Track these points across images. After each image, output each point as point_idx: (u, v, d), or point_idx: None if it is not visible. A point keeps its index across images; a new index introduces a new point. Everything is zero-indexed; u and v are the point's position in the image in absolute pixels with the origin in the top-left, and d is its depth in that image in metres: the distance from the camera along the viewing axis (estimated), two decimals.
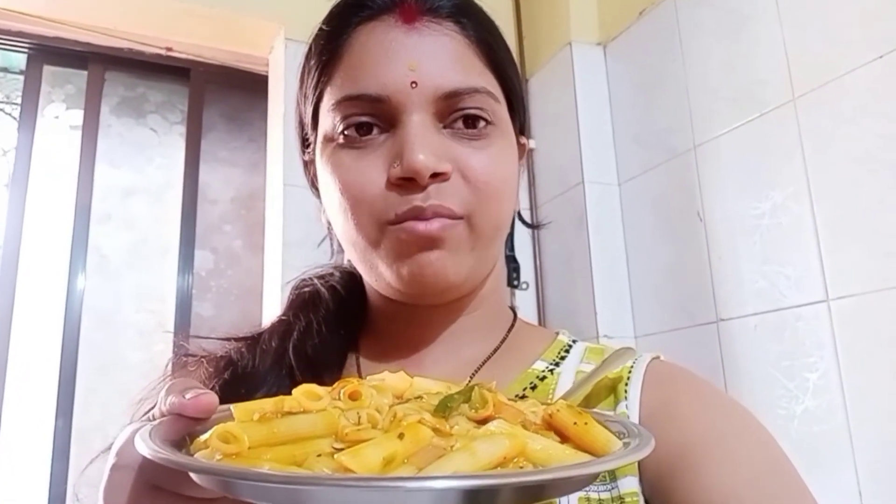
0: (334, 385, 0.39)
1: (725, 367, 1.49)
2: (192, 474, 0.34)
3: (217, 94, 2.36)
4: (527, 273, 1.98)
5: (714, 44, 1.60)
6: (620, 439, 0.37)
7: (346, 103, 0.58)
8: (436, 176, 0.55)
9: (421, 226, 0.55)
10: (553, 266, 1.96)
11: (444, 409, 0.37)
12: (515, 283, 1.96)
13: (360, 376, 0.65)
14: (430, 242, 0.56)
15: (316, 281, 0.72)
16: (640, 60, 1.84)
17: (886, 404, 1.20)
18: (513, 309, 0.73)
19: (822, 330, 1.30)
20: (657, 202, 1.75)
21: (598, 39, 1.96)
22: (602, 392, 0.59)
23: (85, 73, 2.24)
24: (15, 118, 2.63)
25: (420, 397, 0.39)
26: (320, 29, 0.64)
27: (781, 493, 0.50)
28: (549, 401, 0.58)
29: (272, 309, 1.80)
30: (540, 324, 1.91)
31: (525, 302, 1.96)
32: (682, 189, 1.65)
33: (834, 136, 1.32)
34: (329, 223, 0.66)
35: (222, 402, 0.39)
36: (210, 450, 0.33)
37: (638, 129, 1.83)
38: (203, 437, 0.36)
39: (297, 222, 1.72)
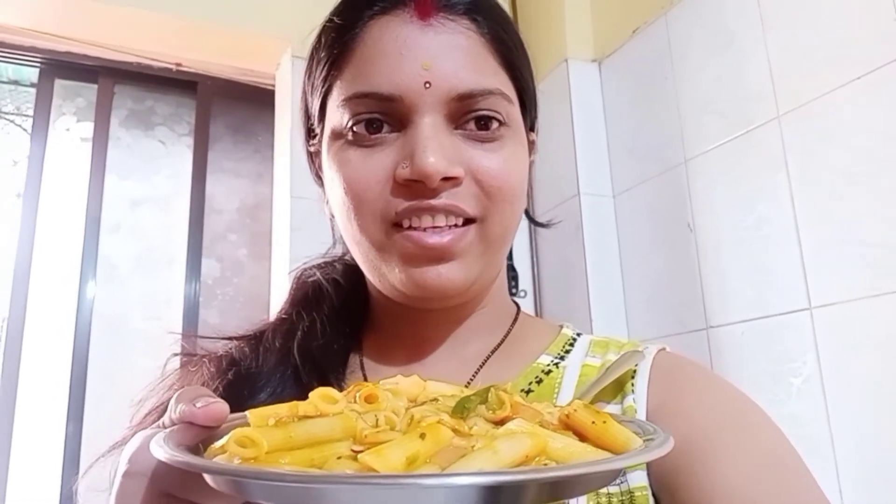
0: (350, 388, 0.39)
1: (714, 371, 1.55)
2: (209, 479, 0.34)
3: (223, 106, 2.42)
4: (525, 281, 2.04)
5: (703, 62, 1.66)
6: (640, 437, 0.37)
7: (357, 100, 0.56)
8: (447, 180, 0.54)
9: (432, 238, 0.54)
10: (550, 274, 2.02)
11: (461, 410, 0.36)
12: (514, 290, 2.02)
13: (365, 377, 0.65)
14: (441, 254, 0.55)
15: (318, 273, 0.71)
16: (633, 77, 1.89)
17: (866, 407, 1.25)
18: (516, 303, 0.72)
19: (806, 337, 1.36)
20: (650, 213, 1.80)
21: (593, 56, 2.02)
22: (609, 386, 0.58)
23: (95, 86, 2.29)
24: (25, 129, 2.69)
25: (436, 399, 0.39)
26: (331, 20, 0.62)
27: (786, 485, 0.49)
28: (554, 401, 0.58)
29: None
30: None
31: (523, 309, 2.01)
32: (674, 201, 1.71)
33: (816, 151, 1.38)
34: (332, 215, 0.64)
35: (227, 401, 0.39)
36: (228, 454, 0.33)
37: (631, 142, 1.89)
38: (219, 443, 0.35)
39: (305, 234, 1.78)
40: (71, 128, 2.33)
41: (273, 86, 2.11)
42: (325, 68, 0.60)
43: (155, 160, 2.37)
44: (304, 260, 0.74)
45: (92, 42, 2.06)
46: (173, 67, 2.25)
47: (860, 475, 1.25)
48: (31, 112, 2.31)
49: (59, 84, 2.30)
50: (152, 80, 2.33)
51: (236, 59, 2.08)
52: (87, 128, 2.30)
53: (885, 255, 1.24)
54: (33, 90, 2.31)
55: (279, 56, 2.00)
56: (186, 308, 2.23)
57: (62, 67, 2.24)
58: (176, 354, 0.69)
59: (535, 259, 2.07)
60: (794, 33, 1.45)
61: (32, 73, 2.33)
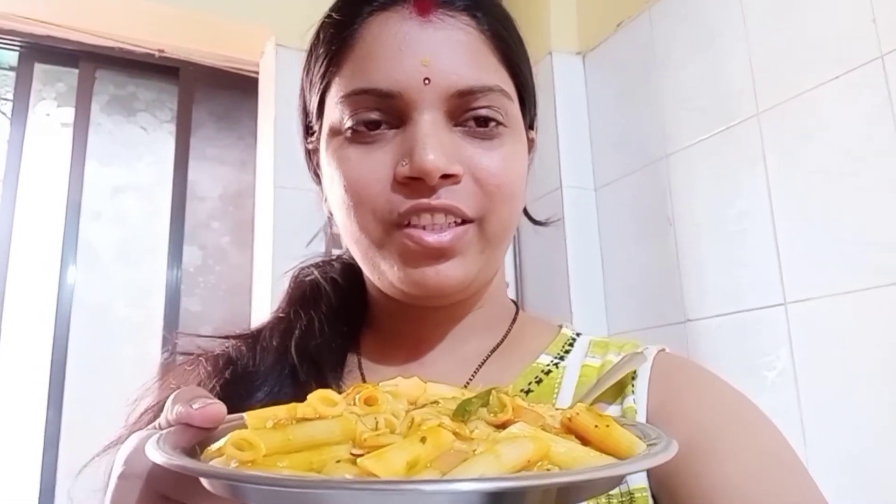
0: (349, 391, 0.38)
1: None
2: (205, 483, 0.33)
3: (206, 92, 2.40)
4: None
5: (686, 58, 1.68)
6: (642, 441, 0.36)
7: (356, 97, 0.56)
8: (446, 178, 0.54)
9: (432, 237, 0.54)
10: (532, 266, 2.04)
11: (462, 413, 0.36)
12: None
13: (363, 376, 0.65)
14: (440, 253, 0.55)
15: (316, 272, 0.70)
16: (617, 71, 1.91)
17: (837, 401, 1.29)
18: (515, 302, 0.71)
19: (780, 331, 1.39)
20: (631, 207, 1.83)
21: (577, 49, 2.03)
22: (609, 386, 0.57)
23: (76, 71, 2.26)
24: (5, 114, 2.65)
25: (436, 402, 0.38)
26: (329, 16, 0.61)
27: (786, 486, 0.49)
28: (554, 402, 0.58)
29: (261, 308, 1.86)
30: None
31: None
32: (655, 195, 1.74)
33: (794, 149, 1.41)
34: (330, 214, 0.63)
35: (224, 401, 0.38)
36: (225, 457, 0.32)
37: (614, 136, 1.91)
38: (216, 446, 0.35)
39: (287, 223, 1.78)
40: (51, 113, 2.30)
41: (256, 73, 2.10)
42: (324, 64, 0.60)
43: (137, 146, 2.35)
44: (289, 258, 0.74)
45: (73, 26, 2.04)
46: (156, 53, 2.24)
47: (830, 468, 1.29)
48: (10, 96, 2.28)
49: (39, 68, 2.27)
50: (134, 66, 2.31)
51: (219, 46, 2.08)
52: (68, 113, 2.28)
53: (860, 253, 1.27)
54: (13, 74, 2.28)
55: (263, 44, 1.99)
56: (168, 296, 2.22)
57: (42, 51, 2.21)
58: (172, 353, 0.69)
59: (517, 250, 2.09)
60: (775, 32, 1.47)
61: (12, 57, 2.28)
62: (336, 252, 0.74)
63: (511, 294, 2.07)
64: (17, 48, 2.19)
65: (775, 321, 1.40)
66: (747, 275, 1.48)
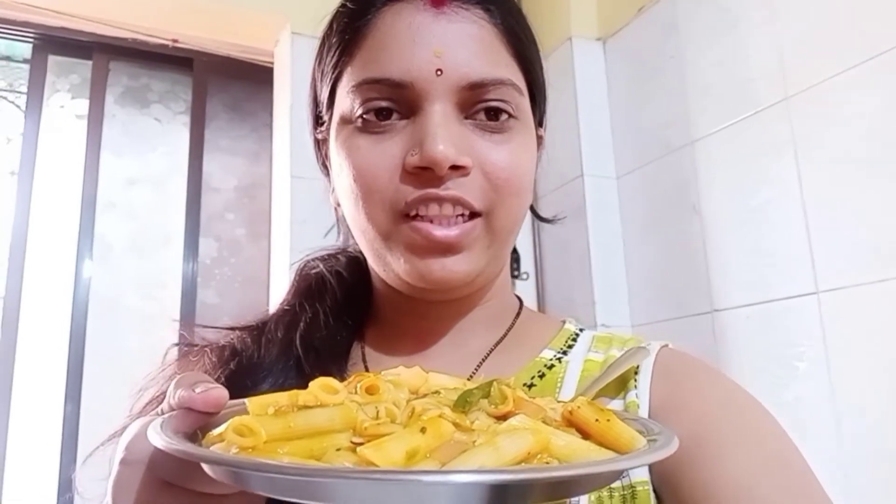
0: (351, 379, 0.38)
1: (719, 355, 1.53)
2: (206, 468, 0.33)
3: (220, 83, 2.38)
4: (527, 264, 2.02)
5: (710, 42, 1.63)
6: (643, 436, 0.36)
7: (367, 86, 0.56)
8: (455, 169, 0.54)
9: (439, 231, 0.54)
10: (552, 257, 2.00)
11: (463, 404, 0.36)
12: (516, 273, 2.00)
13: (367, 369, 0.64)
14: (448, 248, 0.55)
15: (321, 265, 0.70)
16: (638, 56, 1.86)
17: (871, 392, 1.24)
18: (518, 297, 0.72)
19: (811, 321, 1.34)
20: (654, 195, 1.78)
21: (597, 35, 1.99)
22: (612, 381, 0.57)
23: (89, 63, 2.25)
24: (18, 106, 2.66)
25: (437, 392, 0.38)
26: (343, 5, 0.62)
27: (789, 485, 0.49)
28: (556, 396, 0.57)
29: (279, 299, 1.84)
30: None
31: (525, 292, 2.00)
32: (679, 183, 1.69)
33: (824, 134, 1.36)
34: (338, 204, 0.63)
35: (228, 392, 0.38)
36: (226, 443, 0.32)
37: (636, 123, 1.86)
38: (217, 431, 0.35)
39: (304, 214, 1.76)
40: (65, 105, 2.29)
41: (270, 63, 2.08)
42: (337, 54, 0.60)
43: (151, 138, 2.33)
44: (306, 249, 0.74)
45: (86, 17, 2.03)
46: (169, 44, 2.21)
47: (865, 461, 1.24)
48: (24, 89, 2.28)
49: (53, 60, 2.26)
50: (148, 57, 2.29)
51: (234, 35, 2.05)
52: (82, 105, 2.27)
53: (895, 240, 1.22)
54: (26, 66, 2.27)
55: (278, 33, 1.96)
56: (184, 288, 2.20)
57: (56, 43, 2.20)
58: (177, 344, 0.68)
59: (537, 241, 2.05)
60: (803, 14, 1.42)
61: (25, 49, 2.29)
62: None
63: (531, 285, 2.04)
64: (31, 40, 2.18)
65: (807, 310, 1.35)
66: (777, 263, 1.43)
